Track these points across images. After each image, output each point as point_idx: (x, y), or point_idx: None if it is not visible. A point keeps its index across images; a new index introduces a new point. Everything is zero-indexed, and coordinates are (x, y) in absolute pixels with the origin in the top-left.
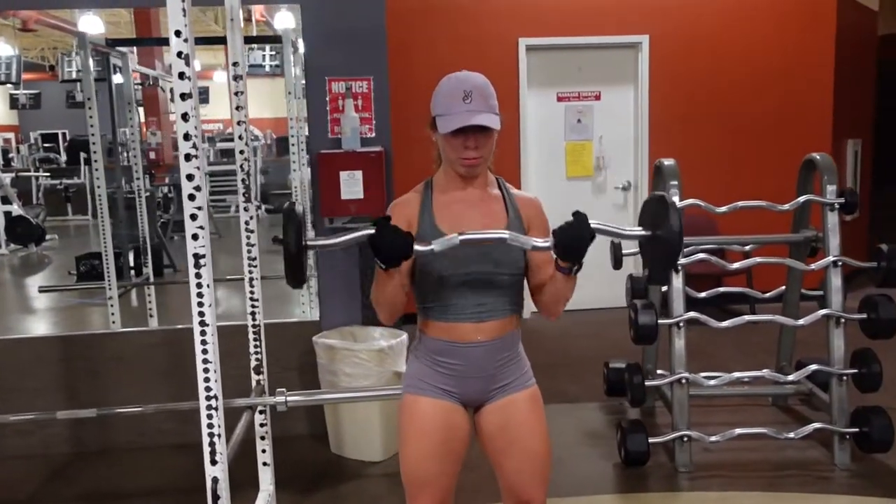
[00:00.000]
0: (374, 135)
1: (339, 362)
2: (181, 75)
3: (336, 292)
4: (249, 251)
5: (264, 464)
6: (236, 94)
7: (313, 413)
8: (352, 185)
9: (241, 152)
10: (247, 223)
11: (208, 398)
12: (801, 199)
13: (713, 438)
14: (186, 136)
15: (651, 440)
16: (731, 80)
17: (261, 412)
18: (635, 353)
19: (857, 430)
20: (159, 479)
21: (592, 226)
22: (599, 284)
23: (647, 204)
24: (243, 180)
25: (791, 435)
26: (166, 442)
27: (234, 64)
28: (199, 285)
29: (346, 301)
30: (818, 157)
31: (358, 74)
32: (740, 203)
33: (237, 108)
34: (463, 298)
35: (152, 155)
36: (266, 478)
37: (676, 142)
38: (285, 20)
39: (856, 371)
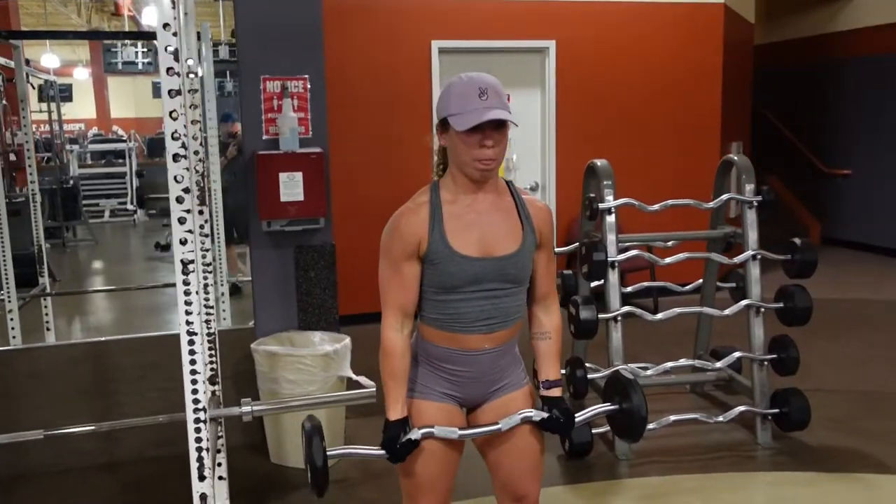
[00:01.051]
0: (310, 135)
1: (280, 369)
2: (169, 70)
3: (271, 298)
4: (204, 256)
5: (220, 478)
6: (190, 91)
7: (248, 423)
8: (292, 186)
9: (196, 153)
10: (201, 227)
11: (196, 410)
12: (724, 196)
13: (651, 426)
14: (175, 136)
15: (594, 431)
16: (631, 85)
17: (218, 424)
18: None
19: (777, 411)
20: (88, 501)
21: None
22: None
23: (611, 381)
24: (197, 182)
25: (720, 418)
26: (90, 463)
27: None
28: (186, 292)
29: (282, 306)
30: (736, 159)
31: (294, 73)
32: (670, 201)
33: (192, 106)
34: (474, 313)
35: (12, 157)
36: (222, 493)
37: (582, 144)
38: (153, 16)
39: (775, 356)
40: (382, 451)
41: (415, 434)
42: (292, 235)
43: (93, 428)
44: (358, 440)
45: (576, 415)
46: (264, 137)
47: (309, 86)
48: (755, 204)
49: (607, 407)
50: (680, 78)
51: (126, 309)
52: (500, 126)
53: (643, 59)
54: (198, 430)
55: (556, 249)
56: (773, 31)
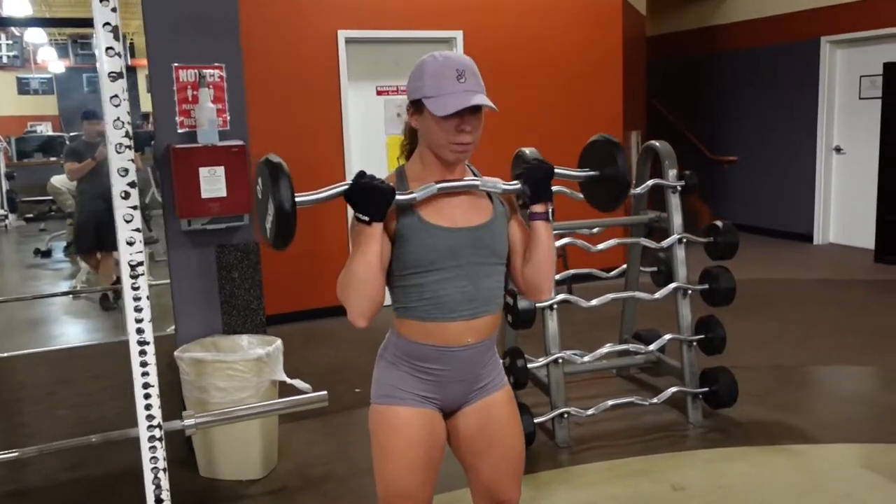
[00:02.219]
0: (228, 127)
1: (209, 377)
2: (109, 50)
3: (192, 301)
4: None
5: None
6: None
7: (169, 437)
8: (213, 182)
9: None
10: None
11: (151, 427)
12: (650, 182)
13: (590, 412)
14: (117, 124)
15: (535, 421)
16: (537, 76)
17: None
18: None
19: (706, 389)
20: None
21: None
22: None
23: (590, 146)
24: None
25: (655, 400)
26: None
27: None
28: (136, 297)
29: (203, 310)
30: (658, 145)
31: (208, 62)
32: None
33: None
34: (454, 294)
35: None
36: None
37: (490, 135)
38: (16, 6)
39: (702, 336)
40: (345, 185)
41: (386, 185)
42: (213, 234)
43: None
44: (292, 445)
45: (555, 169)
46: (179, 130)
47: (226, 75)
48: (679, 189)
49: (588, 172)
50: (583, 69)
51: (9, 322)
52: (477, 110)
53: (548, 50)
54: (153, 450)
55: None
56: (661, 23)
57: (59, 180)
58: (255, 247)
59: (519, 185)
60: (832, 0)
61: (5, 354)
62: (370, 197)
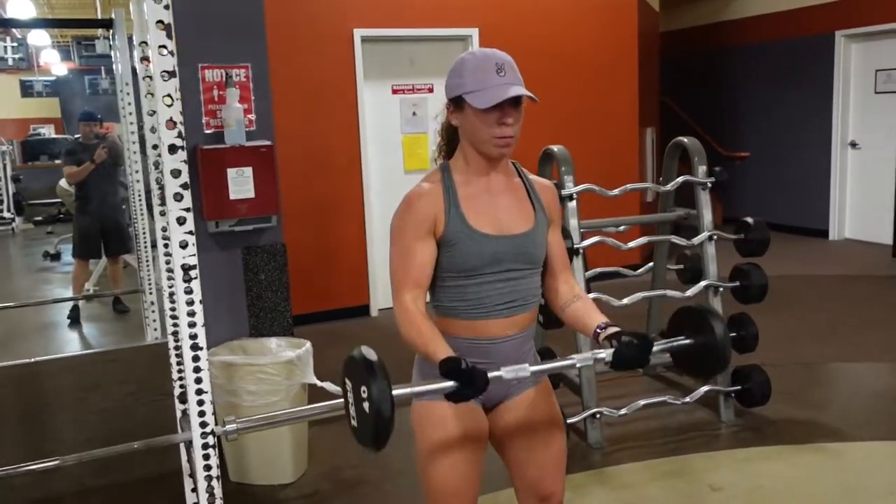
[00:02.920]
0: (254, 128)
1: (239, 380)
2: (162, 49)
3: (219, 304)
4: (168, 261)
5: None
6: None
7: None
8: (241, 183)
9: (155, 147)
10: (164, 229)
11: (204, 434)
12: (680, 179)
13: (622, 412)
14: (170, 124)
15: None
16: (554, 73)
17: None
18: None
19: (739, 388)
20: None
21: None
22: None
23: (681, 313)
24: (157, 180)
25: (688, 399)
26: (21, 500)
27: (143, 43)
28: (189, 302)
29: (230, 313)
30: (686, 141)
31: (234, 62)
32: (629, 185)
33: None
34: (495, 297)
35: None
36: None
37: None
38: (19, 8)
39: (735, 334)
40: (450, 383)
41: (491, 375)
42: (240, 236)
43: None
44: (321, 449)
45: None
46: (206, 131)
47: (251, 74)
48: (708, 185)
49: (684, 341)
50: (599, 65)
51: (21, 327)
52: (517, 103)
53: (564, 47)
54: (207, 457)
55: None
56: (673, 18)
57: (66, 182)
58: (283, 248)
59: (606, 357)
60: None
61: (31, 360)
62: (476, 389)
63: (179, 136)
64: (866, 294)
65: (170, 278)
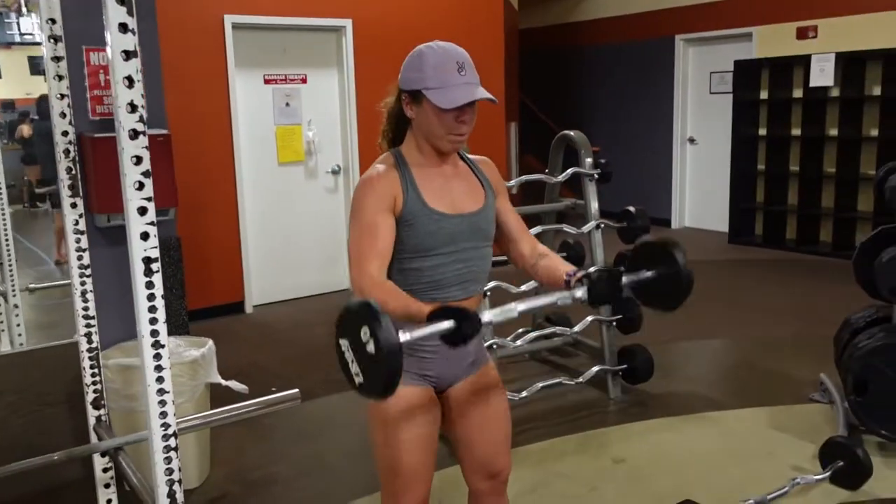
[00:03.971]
0: (146, 115)
1: (139, 383)
2: (123, 27)
3: (108, 304)
4: (80, 257)
5: None
6: (54, 59)
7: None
8: None
9: (65, 133)
10: (76, 222)
11: (166, 437)
12: (570, 170)
13: (523, 394)
14: (132, 107)
15: None
16: None
17: (103, 455)
18: None
19: (625, 366)
20: None
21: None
22: (317, 270)
23: (643, 247)
24: (69, 169)
25: (581, 380)
26: None
27: (51, 21)
28: (151, 297)
29: (120, 313)
30: (573, 135)
31: None
32: (525, 177)
33: (57, 77)
34: (451, 277)
35: None
36: None
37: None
38: None
39: (620, 316)
40: (450, 322)
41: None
42: None
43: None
44: (221, 452)
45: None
46: (91, 118)
47: (141, 59)
48: (595, 176)
49: (647, 274)
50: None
51: None
52: (472, 103)
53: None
54: (168, 461)
55: None
56: (530, 16)
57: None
58: (177, 242)
59: (583, 296)
60: (686, 1)
61: None
62: (473, 329)
63: (141, 120)
64: (710, 277)
65: (82, 276)
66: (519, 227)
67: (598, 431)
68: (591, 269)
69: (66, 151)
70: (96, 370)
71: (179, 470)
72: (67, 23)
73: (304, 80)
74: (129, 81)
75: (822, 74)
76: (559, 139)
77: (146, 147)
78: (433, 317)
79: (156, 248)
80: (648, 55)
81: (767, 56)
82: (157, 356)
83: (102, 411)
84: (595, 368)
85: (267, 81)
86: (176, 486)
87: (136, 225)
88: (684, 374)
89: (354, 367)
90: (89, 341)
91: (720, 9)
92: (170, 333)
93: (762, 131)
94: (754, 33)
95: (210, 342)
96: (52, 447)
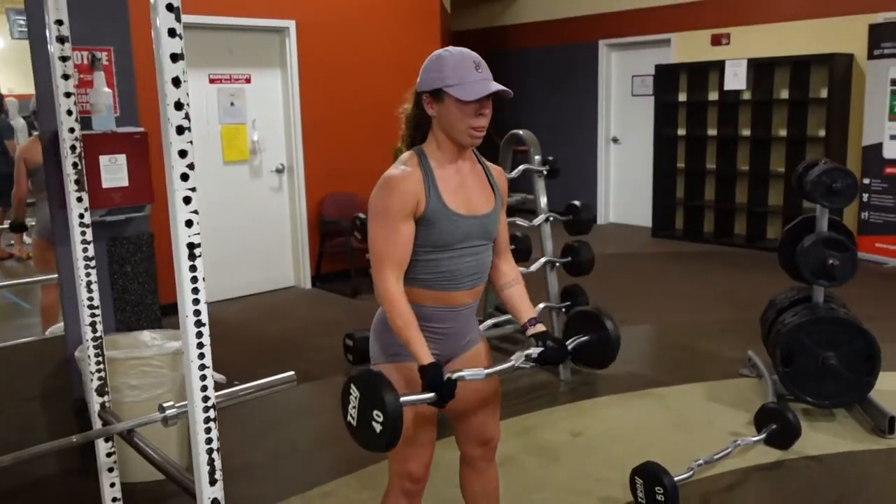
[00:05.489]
0: (119, 113)
1: (122, 376)
2: (171, 32)
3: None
4: (85, 249)
5: (114, 499)
6: (62, 59)
7: (69, 449)
8: (115, 171)
9: (72, 130)
10: (81, 216)
11: (206, 409)
12: (521, 167)
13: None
14: (178, 105)
15: None
16: (368, 68)
17: (107, 441)
18: (332, 325)
19: None
20: None
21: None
22: (263, 268)
23: (576, 316)
24: (75, 164)
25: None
26: None
27: (59, 22)
28: (194, 279)
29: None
30: (522, 133)
31: (95, 44)
32: None
33: (65, 76)
34: (464, 269)
35: None
36: None
37: (329, 125)
38: None
39: (569, 303)
40: (432, 394)
41: (456, 375)
42: (104, 227)
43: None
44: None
45: (566, 343)
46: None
47: (114, 57)
48: (544, 172)
49: (583, 338)
50: (407, 61)
51: None
52: (489, 98)
53: (375, 43)
54: (208, 431)
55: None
56: (462, 19)
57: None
58: (150, 238)
59: (537, 353)
60: (608, 8)
61: None
62: (445, 391)
63: (186, 117)
64: (636, 269)
65: (87, 267)
66: (504, 244)
67: (553, 409)
68: (545, 332)
69: (73, 147)
70: (101, 358)
71: (218, 439)
72: (40, 19)
73: (248, 80)
74: (176, 82)
75: (736, 79)
76: (509, 138)
77: (191, 142)
78: (426, 374)
79: (198, 234)
80: (574, 59)
81: (685, 61)
82: (199, 334)
83: (107, 398)
84: None
85: (212, 81)
86: (215, 455)
87: (181, 213)
88: (624, 356)
89: (353, 412)
90: (94, 330)
91: (641, 16)
92: (141, 328)
93: (681, 131)
94: (673, 39)
95: None
96: (37, 441)
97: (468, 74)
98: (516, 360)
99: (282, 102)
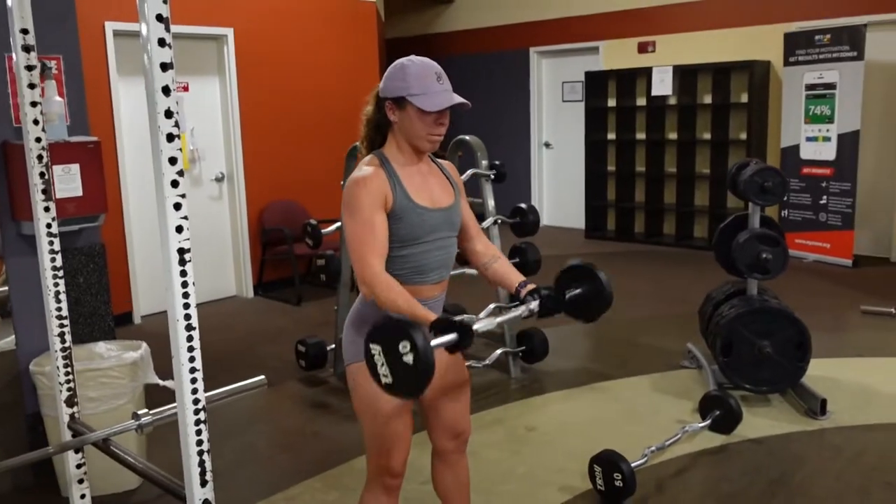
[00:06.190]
0: (69, 122)
1: (79, 388)
2: (161, 42)
3: (33, 312)
4: (53, 259)
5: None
6: (28, 68)
7: (24, 466)
8: (68, 181)
9: (38, 140)
10: (48, 225)
11: (196, 411)
12: (469, 172)
13: None
14: (168, 114)
15: None
16: (306, 76)
17: (76, 452)
18: (279, 333)
19: (524, 348)
20: None
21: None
22: (204, 278)
23: (568, 270)
24: (42, 174)
25: (487, 362)
26: None
27: (24, 31)
28: (184, 284)
29: (45, 320)
30: (468, 138)
31: (43, 52)
32: None
33: (31, 86)
34: (432, 262)
35: None
36: None
37: (269, 133)
38: None
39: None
40: (454, 334)
41: (467, 318)
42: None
43: None
44: (154, 450)
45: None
46: (15, 125)
47: (63, 66)
48: (491, 176)
49: (577, 290)
50: (344, 69)
51: None
52: (449, 107)
53: (312, 50)
54: (199, 433)
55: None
56: (396, 26)
57: None
58: (102, 249)
59: (536, 305)
60: (538, 16)
61: None
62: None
63: (176, 125)
64: None
65: (55, 277)
66: (475, 227)
67: (507, 406)
68: (539, 287)
69: (40, 157)
70: (69, 369)
71: (208, 441)
72: None
73: (185, 89)
74: (166, 91)
75: (662, 84)
76: (455, 143)
77: (179, 149)
78: (437, 327)
79: (188, 240)
80: (506, 66)
81: (614, 68)
82: (190, 338)
83: (76, 409)
84: (498, 352)
85: None
86: (205, 456)
87: (172, 219)
88: (570, 353)
89: (384, 370)
90: (63, 341)
91: (569, 24)
92: (94, 340)
93: (611, 135)
94: (601, 47)
95: (144, 344)
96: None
97: (431, 85)
98: (522, 312)
99: (220, 111)
